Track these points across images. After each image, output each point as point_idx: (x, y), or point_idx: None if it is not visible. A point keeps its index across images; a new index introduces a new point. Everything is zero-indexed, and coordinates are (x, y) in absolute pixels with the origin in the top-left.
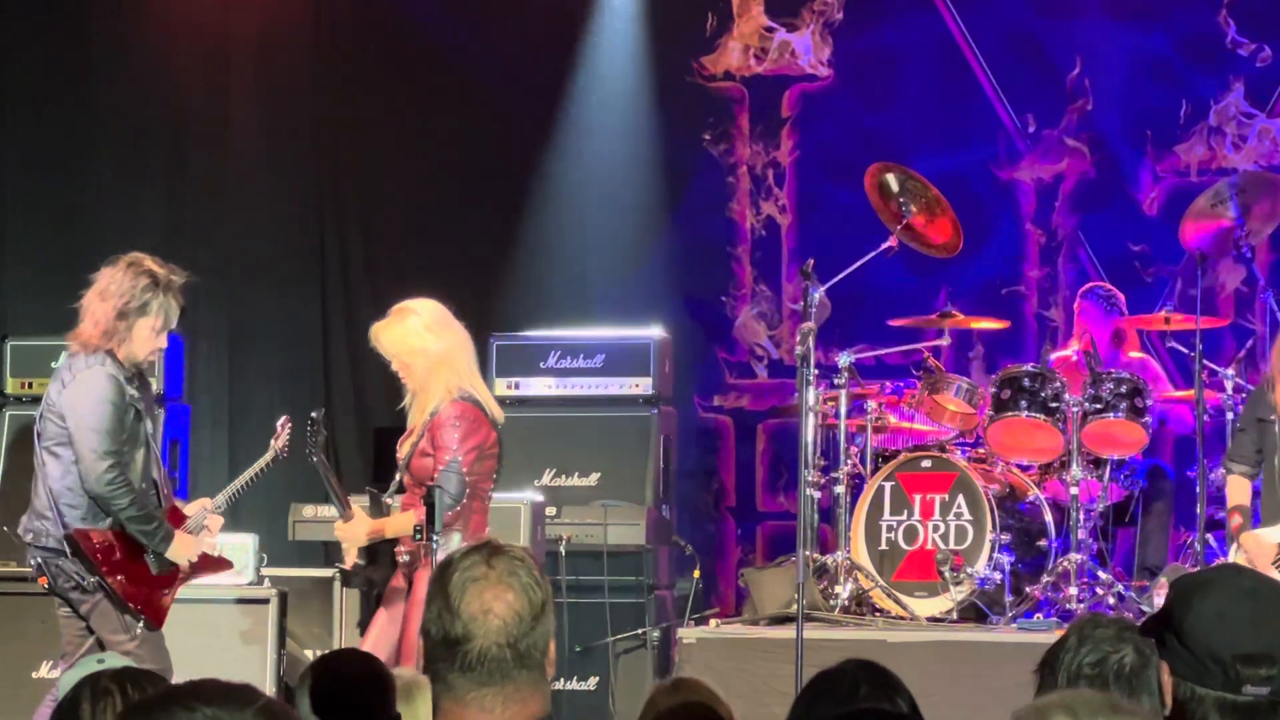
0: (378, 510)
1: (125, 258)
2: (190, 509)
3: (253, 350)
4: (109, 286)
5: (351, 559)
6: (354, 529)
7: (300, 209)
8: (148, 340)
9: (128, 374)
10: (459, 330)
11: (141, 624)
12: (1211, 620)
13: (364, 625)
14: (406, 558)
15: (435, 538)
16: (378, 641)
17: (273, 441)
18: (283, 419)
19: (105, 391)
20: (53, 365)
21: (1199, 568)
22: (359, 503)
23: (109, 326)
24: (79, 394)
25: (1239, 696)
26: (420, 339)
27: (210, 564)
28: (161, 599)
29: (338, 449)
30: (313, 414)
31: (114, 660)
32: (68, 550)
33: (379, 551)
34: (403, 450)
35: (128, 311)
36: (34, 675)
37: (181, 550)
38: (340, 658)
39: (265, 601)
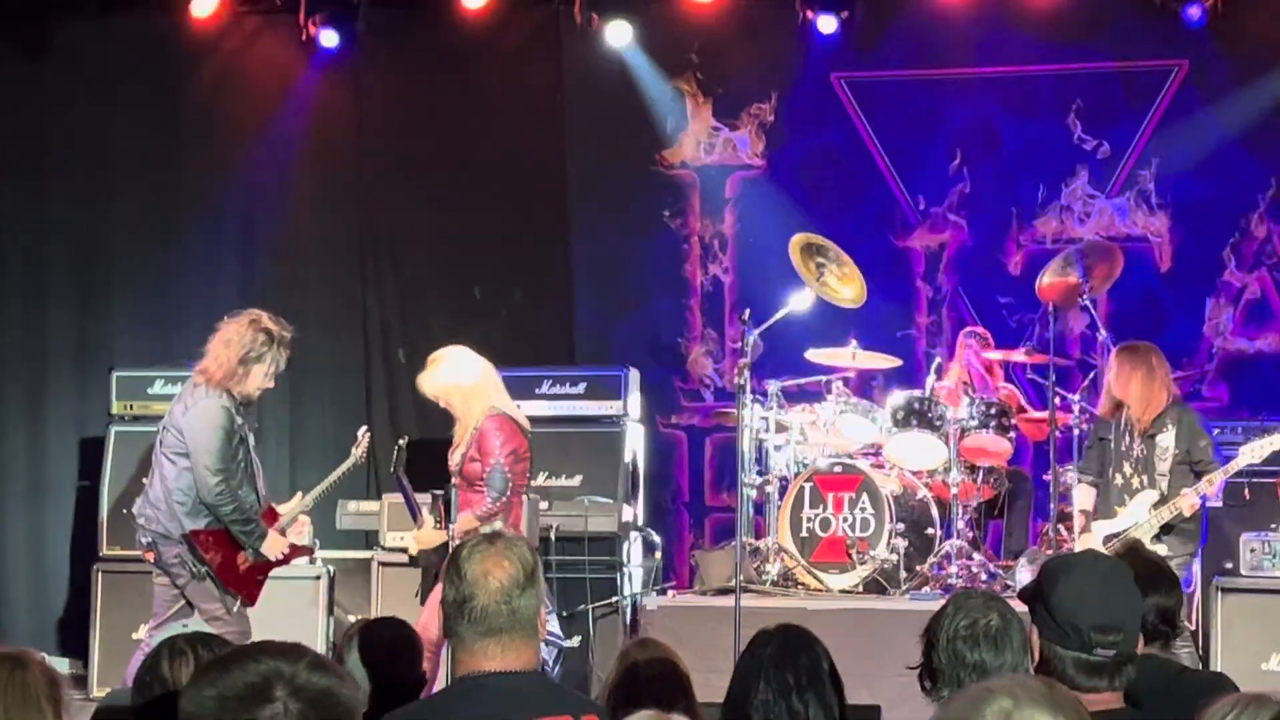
0: (438, 508)
1: (248, 314)
2: (285, 507)
3: (307, 380)
4: (233, 337)
5: (415, 550)
6: (431, 535)
7: (347, 268)
8: (260, 382)
9: (238, 405)
10: (481, 364)
11: (239, 602)
12: (1073, 597)
13: (423, 597)
14: (457, 543)
15: (451, 527)
16: (431, 612)
17: (353, 449)
18: (363, 429)
19: (219, 420)
20: (149, 391)
21: (1053, 551)
22: (424, 504)
23: (230, 370)
24: (198, 420)
25: (1091, 656)
26: (451, 377)
27: (297, 552)
28: (256, 583)
29: (377, 459)
30: (399, 442)
31: (195, 625)
32: (185, 545)
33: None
34: (454, 459)
35: (247, 359)
36: (133, 636)
37: (272, 547)
38: (381, 623)
39: (318, 578)
